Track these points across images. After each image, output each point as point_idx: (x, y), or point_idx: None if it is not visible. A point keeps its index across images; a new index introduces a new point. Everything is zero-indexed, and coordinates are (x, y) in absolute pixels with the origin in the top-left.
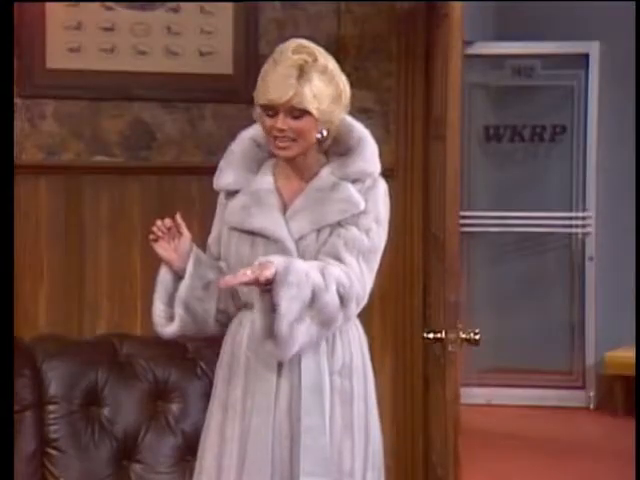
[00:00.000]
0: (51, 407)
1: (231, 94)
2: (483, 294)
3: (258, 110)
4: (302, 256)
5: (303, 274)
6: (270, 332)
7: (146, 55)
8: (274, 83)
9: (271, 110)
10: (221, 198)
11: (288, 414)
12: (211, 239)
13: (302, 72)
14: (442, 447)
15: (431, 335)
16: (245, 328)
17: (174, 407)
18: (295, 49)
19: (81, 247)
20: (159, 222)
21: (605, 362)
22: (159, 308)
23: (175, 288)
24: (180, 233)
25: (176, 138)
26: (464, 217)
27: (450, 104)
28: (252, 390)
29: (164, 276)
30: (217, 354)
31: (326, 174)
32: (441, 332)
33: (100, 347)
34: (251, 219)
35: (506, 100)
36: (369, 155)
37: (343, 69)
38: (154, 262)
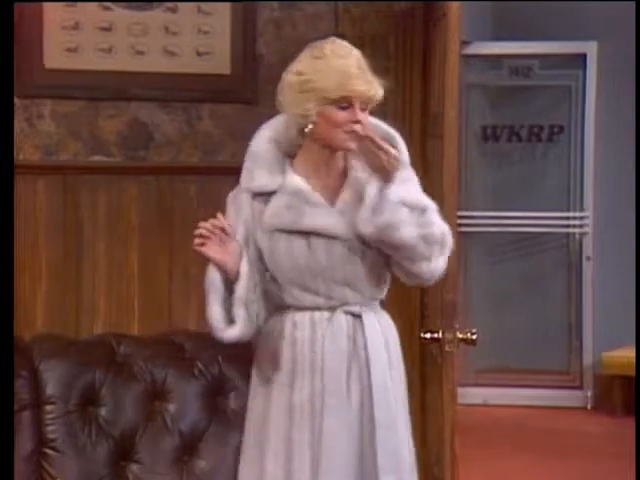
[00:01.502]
0: (48, 407)
1: (229, 94)
2: (480, 294)
3: (313, 105)
4: (363, 251)
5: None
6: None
7: (144, 55)
8: (356, 76)
9: (347, 102)
10: (243, 200)
11: (360, 412)
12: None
13: (365, 66)
14: (439, 447)
15: (428, 335)
16: (305, 330)
17: (171, 407)
18: (347, 44)
19: (79, 247)
20: (206, 224)
21: (602, 362)
22: (217, 312)
23: (228, 290)
24: (226, 234)
25: (174, 138)
26: (461, 217)
27: (448, 103)
28: (320, 391)
29: (215, 279)
30: (215, 354)
31: (359, 169)
32: (438, 332)
33: (97, 347)
34: (305, 219)
35: (504, 100)
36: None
37: None
38: (151, 262)
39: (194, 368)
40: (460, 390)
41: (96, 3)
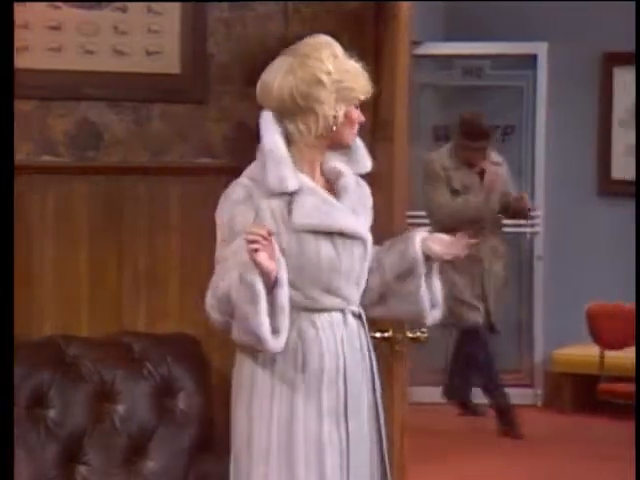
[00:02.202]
0: None
1: (179, 94)
2: None
3: (342, 105)
4: (368, 252)
5: None
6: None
7: (93, 54)
8: (365, 76)
9: (358, 102)
10: (260, 199)
11: (369, 414)
12: None
13: None
14: (389, 446)
15: (378, 334)
16: (326, 331)
17: (120, 408)
18: None
19: (27, 248)
20: (258, 230)
21: (553, 360)
22: (267, 322)
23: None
24: (269, 241)
25: (123, 138)
26: (413, 217)
27: (398, 105)
28: (343, 394)
29: (261, 288)
30: (164, 355)
31: (347, 171)
32: (388, 331)
33: (46, 348)
34: (331, 219)
35: (455, 100)
36: (363, 151)
37: None
38: (100, 262)
39: (143, 369)
40: (413, 389)
41: (45, 2)
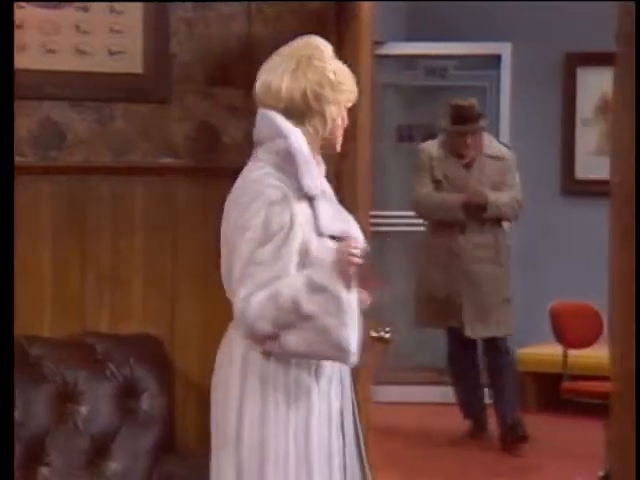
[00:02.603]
0: None
1: (141, 93)
2: (397, 293)
3: (334, 108)
4: None
5: None
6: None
7: (55, 53)
8: (354, 80)
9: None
10: (293, 201)
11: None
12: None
13: None
14: None
15: None
16: None
17: (83, 409)
18: None
19: None
20: (359, 245)
21: (517, 359)
22: (355, 335)
23: None
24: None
25: (86, 138)
26: (376, 217)
27: (360, 104)
28: (341, 396)
29: (347, 300)
30: (127, 356)
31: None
32: None
33: None
34: (347, 225)
35: (419, 100)
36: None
37: (254, 69)
38: (64, 262)
39: (106, 370)
40: (377, 388)
41: (36, 2)
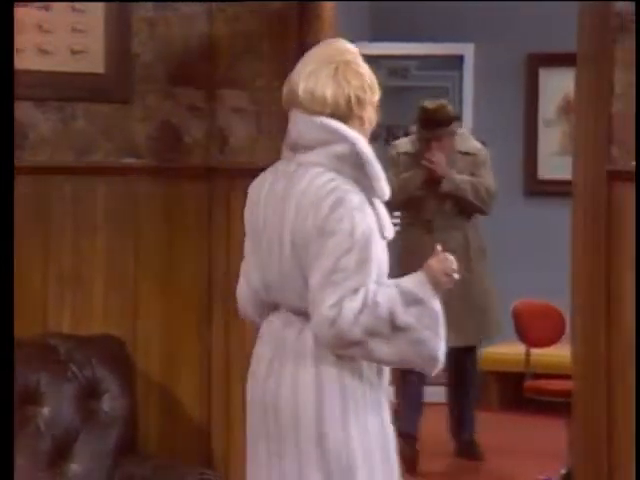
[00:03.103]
0: None
1: (103, 93)
2: None
3: (371, 110)
4: None
5: None
6: None
7: (18, 53)
8: None
9: None
10: (367, 209)
11: None
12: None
13: None
14: None
15: None
16: None
17: (45, 410)
18: None
19: None
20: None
21: (480, 358)
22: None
23: None
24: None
25: (49, 137)
26: None
27: None
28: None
29: (441, 314)
30: (89, 357)
31: None
32: None
33: None
34: (390, 225)
35: (381, 101)
36: None
37: (216, 69)
38: (26, 263)
39: (68, 371)
40: None
41: (35, 2)
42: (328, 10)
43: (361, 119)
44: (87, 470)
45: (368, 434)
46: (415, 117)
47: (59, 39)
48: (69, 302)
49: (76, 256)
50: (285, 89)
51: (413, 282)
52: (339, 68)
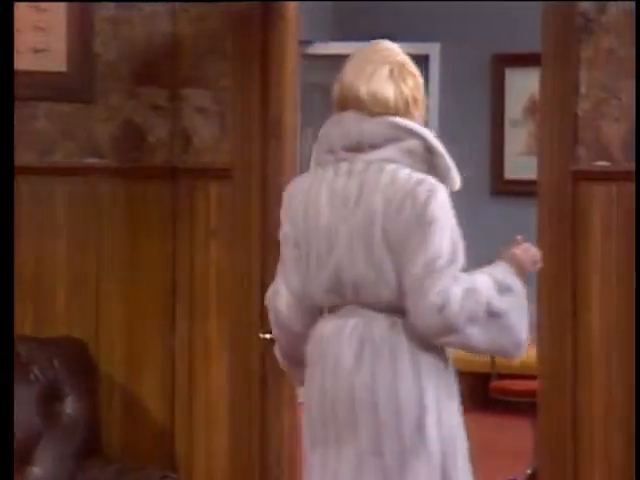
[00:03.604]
0: None
1: (65, 92)
2: None
3: (422, 108)
4: None
5: None
6: None
7: None
8: None
9: None
10: None
11: None
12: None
13: None
14: (278, 447)
15: (267, 335)
16: None
17: None
18: None
19: None
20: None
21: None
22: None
23: None
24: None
25: None
26: None
27: (286, 104)
28: None
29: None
30: (50, 359)
31: None
32: None
33: None
34: None
35: None
36: None
37: (179, 68)
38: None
39: (30, 373)
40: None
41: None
42: (291, 10)
43: (413, 118)
44: (49, 474)
45: (457, 421)
46: None
47: (21, 37)
48: (31, 304)
49: (37, 257)
50: (338, 91)
51: (502, 271)
52: (394, 69)
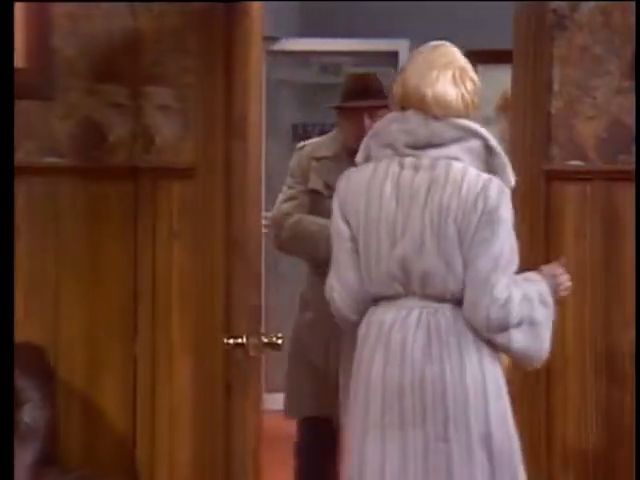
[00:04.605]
0: None
1: (24, 89)
2: (290, 296)
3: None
4: None
5: None
6: None
7: None
8: None
9: None
10: None
11: None
12: None
13: None
14: (243, 455)
15: (232, 340)
16: None
17: None
18: None
19: None
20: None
21: None
22: None
23: None
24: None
25: None
26: (269, 218)
27: (251, 102)
28: None
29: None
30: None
31: None
32: (242, 337)
33: None
34: None
35: (314, 98)
36: None
37: (140, 65)
38: None
39: None
40: (270, 396)
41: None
42: (256, 6)
43: (470, 118)
44: None
45: (509, 410)
46: (338, 93)
47: None
48: None
49: None
50: (401, 91)
51: (540, 284)
52: (456, 74)
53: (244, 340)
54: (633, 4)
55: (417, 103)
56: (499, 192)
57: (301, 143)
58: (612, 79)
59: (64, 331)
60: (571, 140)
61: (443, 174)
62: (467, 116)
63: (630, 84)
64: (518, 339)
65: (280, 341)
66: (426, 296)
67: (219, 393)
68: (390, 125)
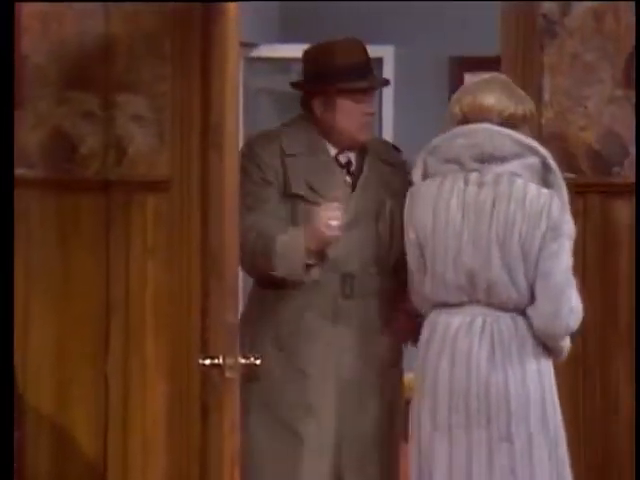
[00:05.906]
0: None
1: None
2: None
3: None
4: None
5: None
6: None
7: None
8: None
9: None
10: None
11: None
12: None
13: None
14: (218, 478)
15: (207, 361)
16: None
17: None
18: None
19: None
20: None
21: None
22: None
23: None
24: None
25: None
26: None
27: (227, 110)
28: None
29: None
30: None
31: None
32: (218, 357)
33: None
34: None
35: (293, 105)
36: None
37: (113, 71)
38: None
39: None
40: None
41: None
42: (232, 10)
43: (525, 129)
44: None
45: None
46: (320, 73)
47: None
48: None
49: None
50: (458, 106)
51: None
52: (513, 90)
53: (220, 360)
54: (633, 4)
55: (476, 114)
56: (561, 207)
57: (261, 133)
58: (604, 87)
59: (32, 351)
60: (563, 152)
61: (507, 190)
62: (523, 129)
63: (623, 92)
64: (567, 345)
65: (258, 361)
66: (490, 304)
67: (195, 416)
68: (454, 140)
